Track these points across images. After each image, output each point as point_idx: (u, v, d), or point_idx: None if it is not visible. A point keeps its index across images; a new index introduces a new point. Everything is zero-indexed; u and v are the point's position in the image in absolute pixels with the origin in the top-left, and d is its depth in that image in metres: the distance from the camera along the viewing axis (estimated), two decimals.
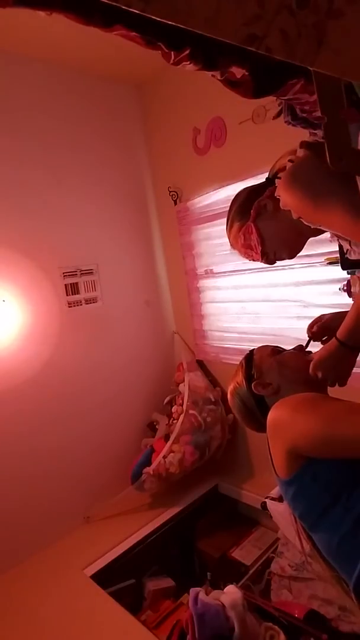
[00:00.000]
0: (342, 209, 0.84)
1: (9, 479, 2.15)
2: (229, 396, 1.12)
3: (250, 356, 1.10)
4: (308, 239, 1.12)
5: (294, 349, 1.09)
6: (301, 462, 0.82)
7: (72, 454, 2.40)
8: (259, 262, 1.17)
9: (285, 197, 0.94)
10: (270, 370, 1.03)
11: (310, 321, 1.19)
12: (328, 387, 1.04)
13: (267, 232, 1.08)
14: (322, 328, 1.16)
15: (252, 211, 1.09)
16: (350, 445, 0.76)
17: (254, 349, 1.12)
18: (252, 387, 1.02)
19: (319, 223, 0.93)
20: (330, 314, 1.19)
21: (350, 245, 1.02)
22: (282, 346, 1.13)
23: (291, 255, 1.14)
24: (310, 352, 1.07)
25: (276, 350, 1.09)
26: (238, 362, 1.12)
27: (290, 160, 0.96)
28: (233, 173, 2.23)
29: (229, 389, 1.11)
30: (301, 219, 0.95)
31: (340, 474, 0.79)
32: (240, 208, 1.12)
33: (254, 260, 1.17)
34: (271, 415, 0.87)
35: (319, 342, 1.15)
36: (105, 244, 2.59)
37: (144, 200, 2.83)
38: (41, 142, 2.29)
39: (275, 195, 1.01)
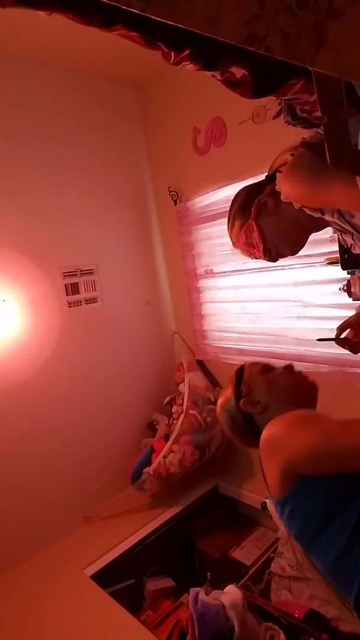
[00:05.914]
0: (343, 183, 0.83)
1: (9, 478, 2.15)
2: (217, 409, 1.12)
3: (240, 372, 1.10)
4: (310, 234, 1.13)
5: (283, 367, 1.09)
6: (295, 480, 0.82)
7: (72, 454, 2.40)
8: (260, 261, 1.18)
9: (286, 187, 0.94)
10: (259, 389, 1.03)
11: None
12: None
13: (268, 229, 1.09)
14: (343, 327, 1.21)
15: (252, 209, 1.09)
16: (347, 458, 0.77)
17: (244, 364, 1.12)
18: (240, 404, 1.02)
19: (322, 204, 0.93)
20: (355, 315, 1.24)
21: (353, 239, 1.02)
22: (272, 363, 1.13)
23: (293, 252, 1.14)
24: (300, 372, 1.08)
25: (266, 368, 1.09)
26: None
27: (291, 154, 0.97)
28: (233, 173, 2.23)
29: (219, 402, 1.11)
30: (303, 208, 0.95)
31: (333, 491, 0.79)
32: (241, 206, 1.12)
33: (256, 258, 1.17)
34: (266, 434, 0.87)
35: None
36: (105, 244, 2.59)
37: (144, 200, 2.83)
38: (41, 142, 2.29)
39: (277, 189, 1.01)
